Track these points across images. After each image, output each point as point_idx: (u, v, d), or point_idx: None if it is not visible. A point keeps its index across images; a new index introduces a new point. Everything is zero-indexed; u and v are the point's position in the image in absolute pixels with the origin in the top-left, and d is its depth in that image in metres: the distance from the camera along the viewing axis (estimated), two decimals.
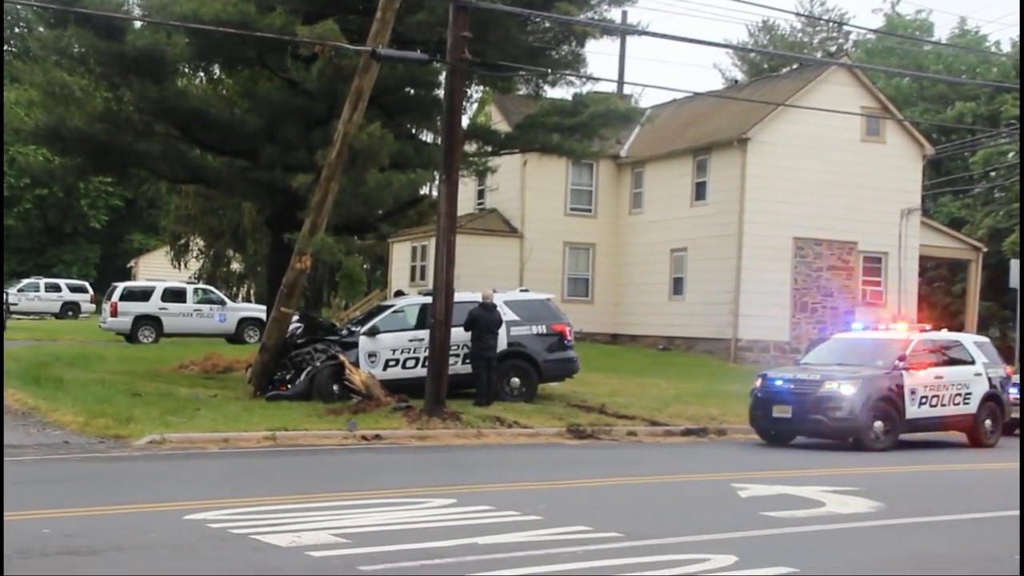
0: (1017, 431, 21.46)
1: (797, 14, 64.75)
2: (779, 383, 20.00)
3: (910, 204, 37.20)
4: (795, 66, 42.82)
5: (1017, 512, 11.58)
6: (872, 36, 56.96)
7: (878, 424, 19.53)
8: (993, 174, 48.23)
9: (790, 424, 19.79)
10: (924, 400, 20.16)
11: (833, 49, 63.51)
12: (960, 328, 35.45)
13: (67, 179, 41.92)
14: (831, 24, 64.57)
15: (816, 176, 35.36)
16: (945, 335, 22.57)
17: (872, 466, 17.05)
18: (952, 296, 44.35)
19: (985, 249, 40.82)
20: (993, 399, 21.23)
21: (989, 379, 21.20)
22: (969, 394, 20.85)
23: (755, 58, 63.74)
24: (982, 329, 37.68)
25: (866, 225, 36.21)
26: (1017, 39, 51.21)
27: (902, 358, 20.08)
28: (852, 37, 64.55)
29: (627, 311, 39.50)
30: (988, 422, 21.14)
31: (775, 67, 55.38)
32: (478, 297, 22.39)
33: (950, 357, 21.12)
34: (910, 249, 37.27)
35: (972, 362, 21.25)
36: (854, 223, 35.98)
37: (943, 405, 20.48)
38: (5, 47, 77.96)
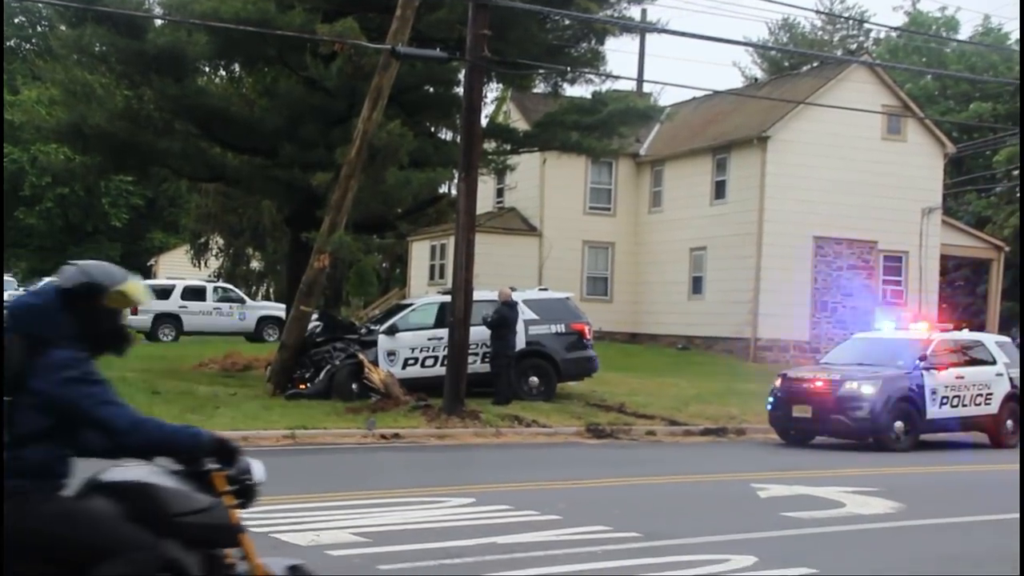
0: None
1: (817, 12, 64.42)
2: (799, 383, 19.92)
3: (931, 203, 37.01)
4: (815, 64, 42.70)
5: None
6: (895, 34, 56.70)
7: (899, 424, 19.43)
8: (1016, 172, 47.94)
9: (810, 424, 19.71)
10: (945, 400, 20.05)
11: (854, 47, 63.24)
12: (981, 328, 35.25)
13: (88, 177, 42.14)
14: (851, 22, 64.34)
15: (836, 175, 35.21)
16: (966, 335, 22.42)
17: (893, 467, 16.97)
18: (975, 296, 44.10)
19: (1007, 248, 40.58)
20: (1015, 399, 21.08)
21: (1011, 379, 21.05)
22: (991, 394, 20.71)
23: (775, 56, 63.51)
24: (1004, 329, 37.45)
25: (886, 224, 36.04)
26: None
27: (923, 358, 19.97)
28: (873, 35, 64.30)
29: (646, 310, 39.43)
30: (1009, 423, 20.99)
31: (795, 65, 55.20)
32: (495, 296, 22.36)
33: (971, 357, 20.98)
34: (931, 248, 37.08)
35: (993, 362, 21.10)
36: (874, 222, 35.82)
37: (964, 405, 20.36)
38: (27, 45, 78.43)
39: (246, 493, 5.08)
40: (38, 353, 4.80)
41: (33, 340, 4.82)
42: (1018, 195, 46.73)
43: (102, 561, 4.70)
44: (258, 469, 5.13)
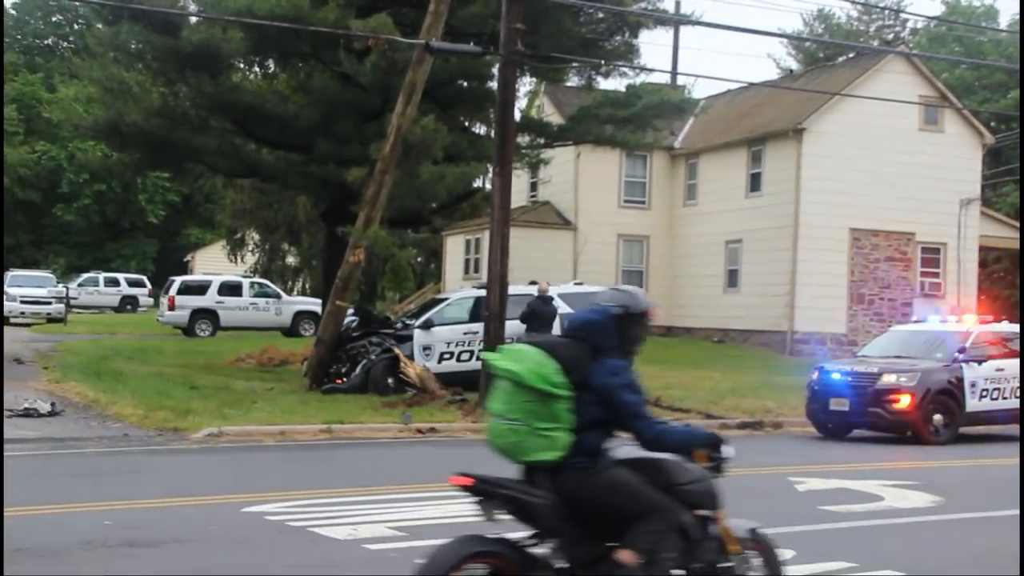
0: None
1: (853, 2, 63.93)
2: (836, 376, 19.78)
3: (969, 194, 36.68)
4: (851, 55, 42.36)
5: None
6: (932, 24, 56.19)
7: (937, 417, 19.24)
8: None
9: (848, 417, 19.58)
10: (985, 393, 19.84)
11: (890, 37, 62.72)
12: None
13: (125, 174, 42.44)
14: (887, 12, 63.80)
15: (873, 166, 34.96)
16: (1006, 327, 22.16)
17: (931, 460, 16.83)
18: (1014, 288, 43.65)
19: None
20: None
21: None
22: None
23: (810, 47, 63.11)
24: None
25: (924, 215, 35.75)
26: None
27: (962, 350, 19.78)
28: (909, 25, 63.78)
29: (682, 303, 39.31)
30: None
31: (831, 56, 54.79)
32: (532, 290, 22.36)
33: (1011, 349, 20.73)
34: (969, 240, 36.75)
35: None
36: (912, 213, 35.54)
37: (1004, 398, 20.12)
38: (64, 43, 79.13)
39: (718, 467, 6.40)
40: (596, 359, 6.13)
41: (593, 348, 6.16)
42: None
43: (639, 520, 5.98)
44: (728, 449, 6.42)
